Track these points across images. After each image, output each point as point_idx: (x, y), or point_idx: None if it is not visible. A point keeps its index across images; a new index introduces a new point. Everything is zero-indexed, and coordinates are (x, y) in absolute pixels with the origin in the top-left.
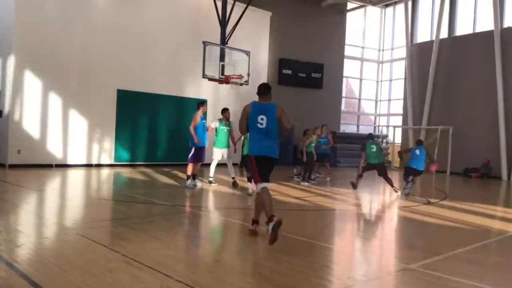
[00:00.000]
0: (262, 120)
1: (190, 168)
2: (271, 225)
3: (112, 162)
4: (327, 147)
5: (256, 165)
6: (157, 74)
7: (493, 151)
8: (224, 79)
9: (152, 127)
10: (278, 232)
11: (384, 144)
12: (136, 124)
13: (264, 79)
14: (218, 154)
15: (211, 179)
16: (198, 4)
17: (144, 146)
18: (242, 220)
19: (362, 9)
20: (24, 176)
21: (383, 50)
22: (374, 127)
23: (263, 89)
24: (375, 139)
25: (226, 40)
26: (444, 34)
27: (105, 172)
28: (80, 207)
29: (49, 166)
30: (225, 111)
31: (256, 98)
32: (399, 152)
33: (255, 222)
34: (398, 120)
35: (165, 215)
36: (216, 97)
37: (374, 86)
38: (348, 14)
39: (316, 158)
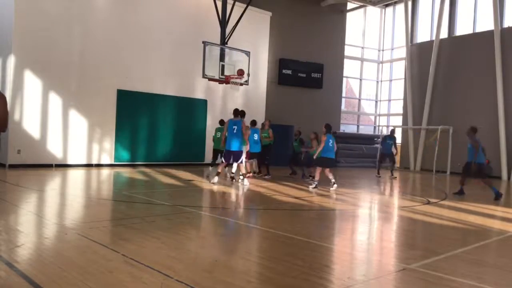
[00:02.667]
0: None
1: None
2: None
3: (112, 162)
4: (308, 149)
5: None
6: (157, 74)
7: (493, 151)
8: (224, 79)
9: (152, 127)
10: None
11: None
12: (136, 124)
13: (264, 79)
14: None
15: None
16: (198, 4)
17: (144, 146)
18: (242, 220)
19: (362, 9)
20: (24, 176)
21: (383, 50)
22: (374, 127)
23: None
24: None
25: (226, 40)
26: (444, 34)
27: (105, 172)
28: (80, 207)
29: (49, 166)
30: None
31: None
32: None
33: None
34: (398, 120)
35: (165, 215)
36: (216, 97)
37: (374, 86)
38: (348, 14)
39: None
